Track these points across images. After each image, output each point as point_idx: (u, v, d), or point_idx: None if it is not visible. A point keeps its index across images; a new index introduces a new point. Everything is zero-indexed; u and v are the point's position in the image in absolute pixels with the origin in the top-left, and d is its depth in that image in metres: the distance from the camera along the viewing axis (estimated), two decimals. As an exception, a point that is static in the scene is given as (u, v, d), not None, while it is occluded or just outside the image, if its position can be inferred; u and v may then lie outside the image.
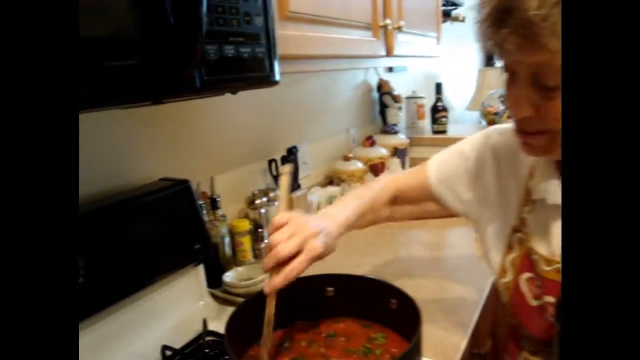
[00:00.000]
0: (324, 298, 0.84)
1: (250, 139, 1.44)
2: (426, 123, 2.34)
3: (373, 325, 0.81)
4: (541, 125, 0.66)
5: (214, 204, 1.19)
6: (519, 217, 0.81)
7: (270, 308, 0.71)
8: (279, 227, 0.73)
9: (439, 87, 2.28)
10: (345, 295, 0.83)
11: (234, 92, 0.79)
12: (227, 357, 0.83)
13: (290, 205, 0.89)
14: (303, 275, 0.78)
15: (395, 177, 0.99)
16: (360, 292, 0.81)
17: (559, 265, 0.73)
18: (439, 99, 2.25)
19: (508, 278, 0.82)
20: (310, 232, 0.72)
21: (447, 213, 0.96)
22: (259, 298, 0.75)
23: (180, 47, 0.60)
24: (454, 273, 1.20)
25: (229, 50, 0.70)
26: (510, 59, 0.65)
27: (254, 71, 0.76)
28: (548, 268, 0.75)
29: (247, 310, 0.76)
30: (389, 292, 0.77)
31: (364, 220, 0.90)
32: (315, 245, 0.71)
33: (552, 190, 0.74)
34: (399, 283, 0.78)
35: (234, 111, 1.36)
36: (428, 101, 2.32)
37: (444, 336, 0.93)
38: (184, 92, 0.68)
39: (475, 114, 2.66)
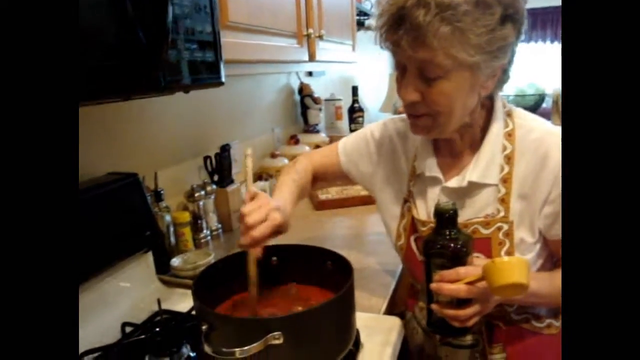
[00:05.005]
0: (270, 267, 0.98)
1: (186, 137, 1.54)
2: (344, 123, 2.54)
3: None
4: (425, 109, 0.86)
5: (158, 197, 1.28)
6: (408, 190, 1.02)
7: (252, 269, 0.86)
8: (252, 198, 0.86)
9: (355, 90, 2.49)
10: (288, 263, 0.98)
11: (186, 91, 0.91)
12: (181, 329, 0.94)
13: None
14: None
15: (311, 158, 1.16)
16: (301, 258, 0.96)
17: (432, 225, 0.89)
18: (355, 101, 2.47)
19: (402, 241, 1.02)
20: (273, 206, 0.85)
21: (351, 183, 1.18)
22: (217, 265, 0.89)
23: (150, 55, 0.72)
24: (375, 247, 1.38)
25: (186, 55, 0.83)
26: (403, 56, 0.84)
27: (205, 73, 0.89)
28: (424, 228, 0.95)
29: (211, 273, 0.90)
30: (324, 255, 0.93)
31: (299, 198, 1.06)
32: (276, 216, 0.84)
33: (429, 165, 0.96)
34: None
35: (170, 111, 1.46)
36: (345, 103, 2.53)
37: (369, 295, 1.11)
38: (151, 90, 0.79)
39: (388, 115, 2.92)
